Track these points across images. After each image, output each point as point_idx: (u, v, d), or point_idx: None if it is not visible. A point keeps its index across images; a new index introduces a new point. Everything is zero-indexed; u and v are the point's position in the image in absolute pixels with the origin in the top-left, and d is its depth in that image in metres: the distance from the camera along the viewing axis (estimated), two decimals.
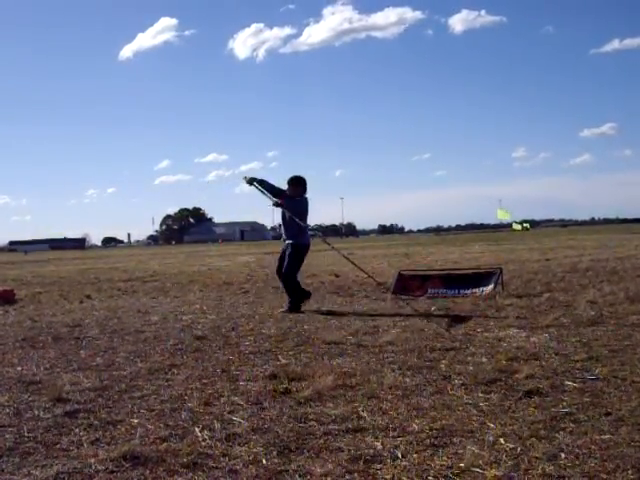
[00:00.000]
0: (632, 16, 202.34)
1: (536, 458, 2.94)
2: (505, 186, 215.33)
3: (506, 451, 3.04)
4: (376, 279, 10.14)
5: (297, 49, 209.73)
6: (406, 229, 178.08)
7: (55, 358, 5.71)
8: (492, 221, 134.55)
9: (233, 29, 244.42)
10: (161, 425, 3.63)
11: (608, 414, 3.50)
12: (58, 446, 3.36)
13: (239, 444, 3.29)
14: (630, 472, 2.76)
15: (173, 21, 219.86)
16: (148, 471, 2.98)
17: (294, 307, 8.20)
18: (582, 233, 50.45)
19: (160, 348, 5.98)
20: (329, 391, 4.14)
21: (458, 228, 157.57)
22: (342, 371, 4.70)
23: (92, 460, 3.11)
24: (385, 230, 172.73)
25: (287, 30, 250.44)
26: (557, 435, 3.23)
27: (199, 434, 3.45)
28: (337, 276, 13.53)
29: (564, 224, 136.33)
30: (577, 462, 2.89)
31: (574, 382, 4.17)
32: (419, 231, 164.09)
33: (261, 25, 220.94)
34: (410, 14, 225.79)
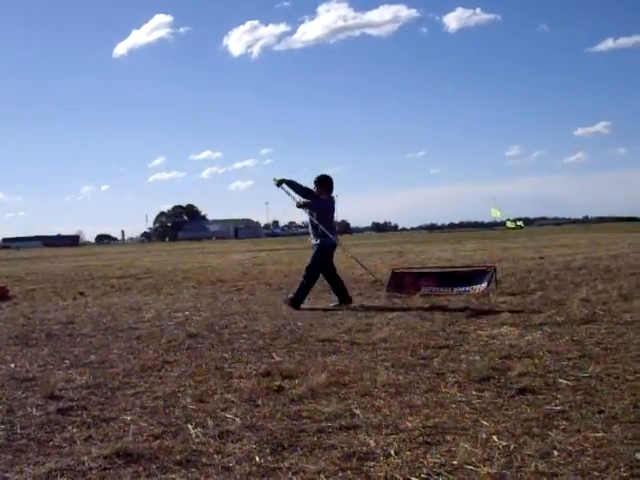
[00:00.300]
0: (626, 15, 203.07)
1: (529, 455, 2.95)
2: (499, 184, 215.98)
3: (499, 448, 3.05)
4: (375, 276, 10.19)
5: (292, 46, 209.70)
6: (400, 227, 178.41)
7: (48, 355, 5.69)
8: (486, 219, 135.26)
9: (228, 26, 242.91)
10: (154, 422, 3.62)
11: (601, 412, 3.52)
12: (51, 443, 3.35)
13: (232, 441, 3.28)
14: (623, 469, 2.77)
15: (168, 18, 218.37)
16: (141, 468, 2.98)
17: (295, 303, 8.23)
18: (576, 232, 50.60)
19: (153, 345, 5.97)
20: (322, 389, 4.14)
21: (452, 226, 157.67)
22: (335, 369, 4.70)
23: (85, 457, 3.11)
24: (379, 228, 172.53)
25: (282, 27, 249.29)
26: (550, 433, 3.24)
27: (192, 431, 3.45)
28: None
29: (558, 222, 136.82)
30: (570, 459, 2.90)
31: (567, 380, 4.19)
32: (413, 229, 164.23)
33: (256, 22, 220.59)
34: (405, 12, 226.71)
